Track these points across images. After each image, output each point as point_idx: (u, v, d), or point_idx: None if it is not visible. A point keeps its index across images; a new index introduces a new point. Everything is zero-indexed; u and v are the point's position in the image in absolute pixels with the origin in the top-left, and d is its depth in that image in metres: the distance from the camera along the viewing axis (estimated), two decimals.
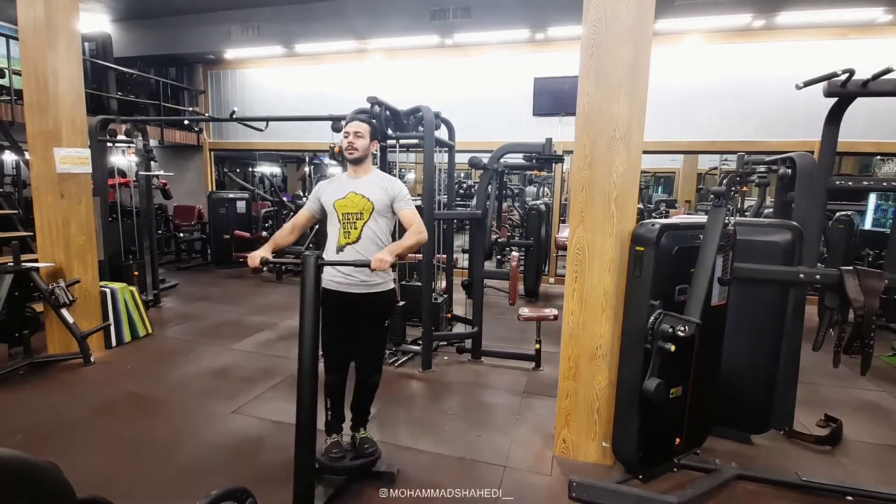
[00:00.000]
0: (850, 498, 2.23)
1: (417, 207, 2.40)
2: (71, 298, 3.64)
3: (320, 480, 2.20)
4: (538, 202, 7.03)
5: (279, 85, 7.95)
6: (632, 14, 2.23)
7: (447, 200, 4.60)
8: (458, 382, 3.60)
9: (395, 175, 5.11)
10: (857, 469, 2.54)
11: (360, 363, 2.35)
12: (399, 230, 2.32)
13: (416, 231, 2.16)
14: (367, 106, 3.69)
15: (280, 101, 7.79)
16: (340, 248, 2.20)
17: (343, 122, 2.30)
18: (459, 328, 4.62)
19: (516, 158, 5.09)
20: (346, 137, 2.23)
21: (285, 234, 2.30)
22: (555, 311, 3.67)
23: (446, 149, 4.48)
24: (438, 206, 4.25)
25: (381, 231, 2.23)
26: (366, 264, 1.92)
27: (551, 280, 7.07)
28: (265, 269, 2.07)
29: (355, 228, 2.19)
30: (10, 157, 6.96)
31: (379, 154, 4.21)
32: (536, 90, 6.41)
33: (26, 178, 6.21)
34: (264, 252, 2.13)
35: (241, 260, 7.63)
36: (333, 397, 2.36)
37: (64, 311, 3.61)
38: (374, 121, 2.35)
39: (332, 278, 2.20)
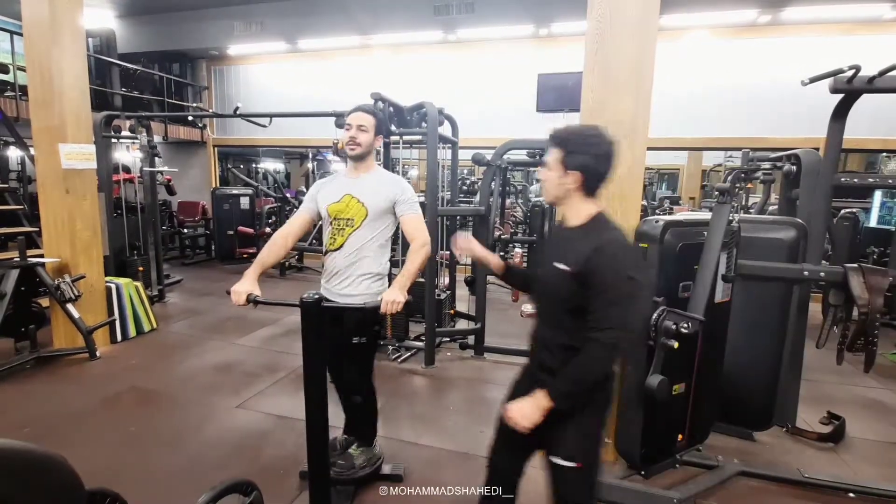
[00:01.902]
0: (852, 495, 2.24)
1: (420, 204, 2.13)
2: (76, 293, 3.66)
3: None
4: (541, 198, 7.02)
5: (282, 81, 7.95)
6: (637, 9, 2.21)
7: (450, 197, 4.60)
8: (461, 378, 3.61)
9: (397, 172, 5.08)
10: (859, 466, 2.54)
11: (342, 386, 2.25)
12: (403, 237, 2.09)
13: (420, 246, 1.94)
14: (371, 102, 3.69)
15: (283, 97, 7.78)
16: (325, 253, 2.07)
17: (345, 117, 2.05)
18: (462, 324, 4.62)
19: (520, 155, 5.08)
20: (347, 130, 1.99)
21: (277, 247, 1.99)
22: None
23: (449, 145, 4.48)
24: (441, 202, 4.25)
25: (371, 239, 2.01)
26: (375, 306, 1.71)
27: None
28: (253, 306, 1.76)
29: (342, 235, 2.00)
30: (15, 153, 6.99)
31: (382, 150, 4.21)
32: (540, 86, 6.38)
33: (31, 174, 6.24)
34: (250, 285, 1.78)
35: (244, 256, 7.66)
36: None
37: (70, 306, 3.64)
38: (380, 113, 2.11)
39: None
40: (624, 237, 1.35)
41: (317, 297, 1.57)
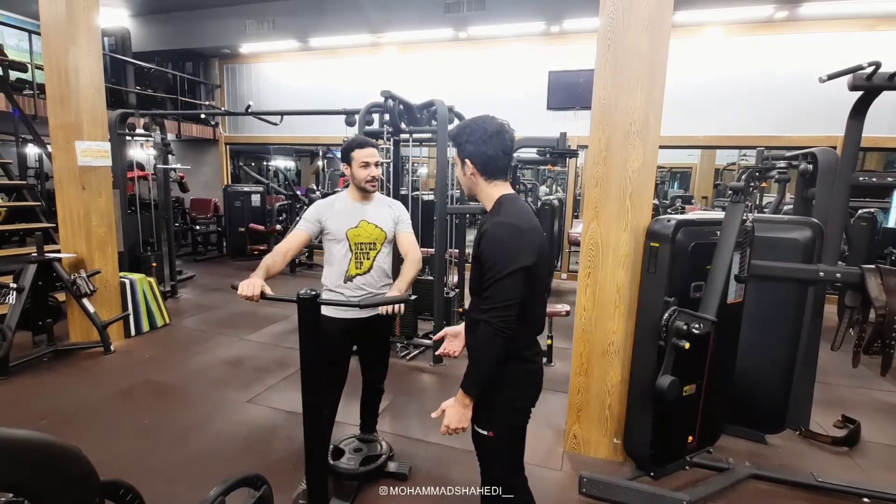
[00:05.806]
0: (866, 500, 2.20)
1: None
2: (92, 288, 3.73)
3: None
4: (551, 197, 6.99)
5: (293, 79, 8.00)
6: (650, 5, 2.19)
7: (459, 195, 4.59)
8: None
9: (406, 170, 5.07)
10: (874, 471, 2.50)
11: (372, 378, 2.41)
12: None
13: (418, 261, 2.12)
14: (381, 100, 3.70)
15: (294, 95, 7.83)
16: (349, 279, 2.10)
17: (349, 143, 2.05)
18: None
19: (530, 153, 5.05)
20: (364, 168, 2.05)
21: (279, 259, 1.98)
22: (567, 307, 3.65)
23: None
24: (451, 200, 4.25)
25: (387, 258, 2.18)
26: (405, 300, 1.85)
27: (564, 276, 7.03)
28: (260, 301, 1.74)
29: (367, 259, 2.11)
30: (33, 150, 7.12)
31: (392, 148, 4.21)
32: (551, 84, 6.35)
33: (49, 171, 6.35)
34: (261, 280, 1.78)
35: (255, 252, 7.73)
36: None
37: (85, 301, 3.71)
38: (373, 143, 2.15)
39: (340, 308, 2.07)
40: (509, 220, 1.37)
41: (313, 293, 1.60)
